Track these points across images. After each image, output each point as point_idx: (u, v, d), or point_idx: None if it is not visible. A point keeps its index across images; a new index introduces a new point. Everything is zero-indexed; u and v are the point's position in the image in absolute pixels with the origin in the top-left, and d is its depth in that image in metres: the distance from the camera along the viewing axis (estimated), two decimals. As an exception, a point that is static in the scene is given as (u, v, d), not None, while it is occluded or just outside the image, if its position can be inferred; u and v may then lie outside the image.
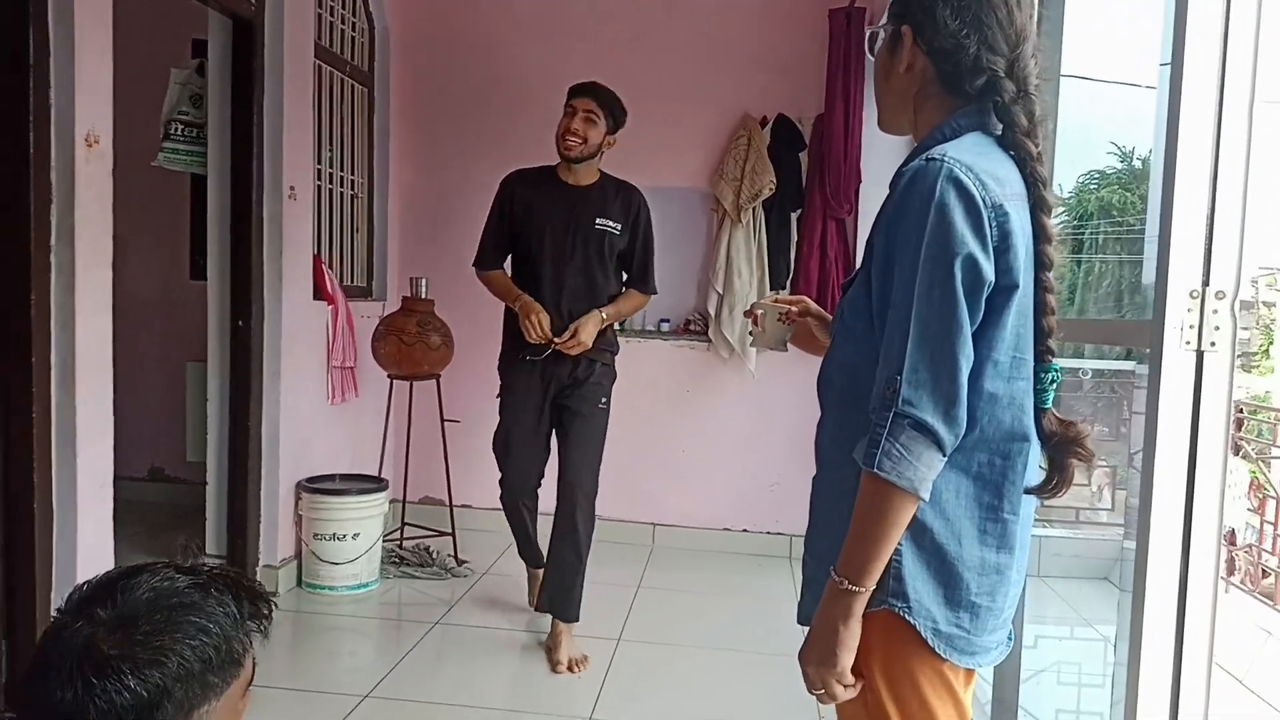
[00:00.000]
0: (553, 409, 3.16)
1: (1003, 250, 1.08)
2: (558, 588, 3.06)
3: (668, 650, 3.20)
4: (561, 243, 3.06)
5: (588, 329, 3.03)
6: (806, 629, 1.22)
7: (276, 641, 3.20)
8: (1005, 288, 1.09)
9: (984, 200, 1.07)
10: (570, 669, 2.93)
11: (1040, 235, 1.13)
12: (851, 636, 1.10)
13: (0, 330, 2.39)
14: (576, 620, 3.07)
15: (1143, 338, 1.55)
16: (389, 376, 3.93)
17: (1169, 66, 1.58)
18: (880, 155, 4.02)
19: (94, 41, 2.47)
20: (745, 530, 4.31)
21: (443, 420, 3.98)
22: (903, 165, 1.19)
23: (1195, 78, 1.51)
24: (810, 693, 1.15)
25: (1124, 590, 2.09)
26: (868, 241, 1.18)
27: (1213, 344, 1.47)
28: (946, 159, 1.08)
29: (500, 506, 3.29)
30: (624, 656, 3.10)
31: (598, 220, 3.07)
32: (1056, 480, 1.17)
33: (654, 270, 3.24)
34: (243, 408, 3.48)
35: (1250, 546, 3.66)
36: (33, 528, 2.41)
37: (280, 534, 3.54)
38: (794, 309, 1.52)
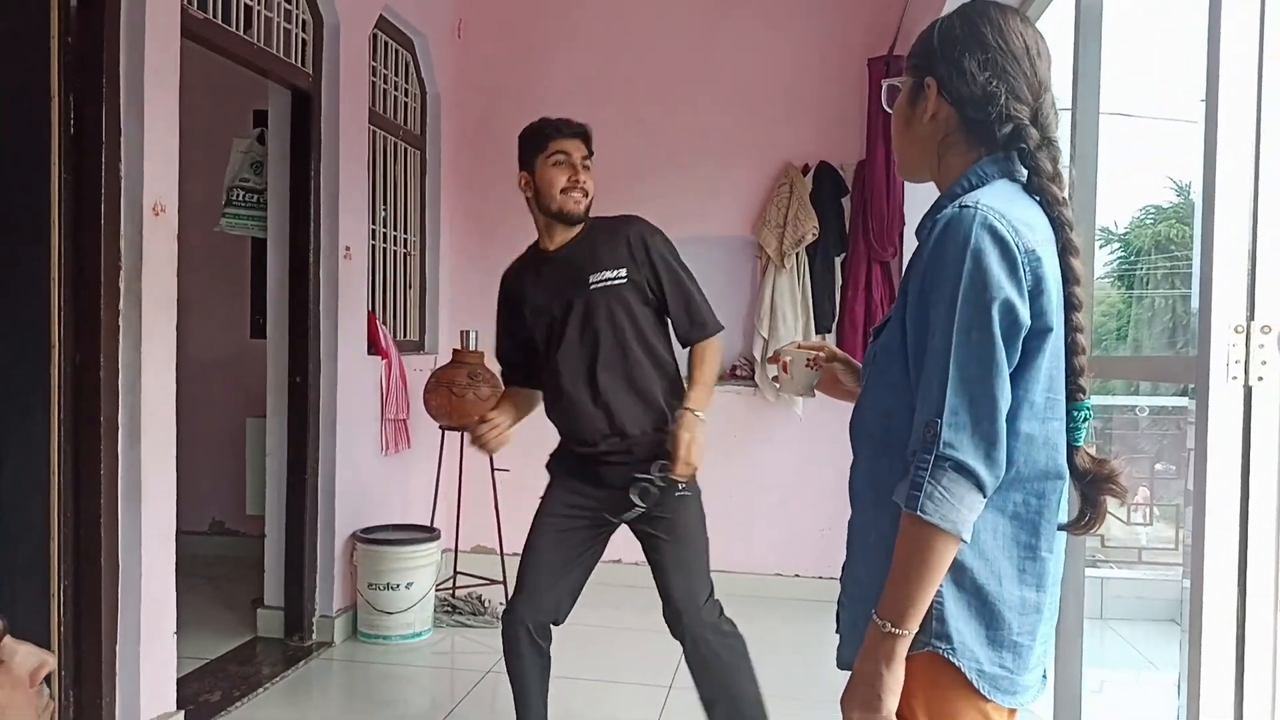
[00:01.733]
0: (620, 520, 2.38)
1: (1037, 294, 1.10)
2: None
3: (721, 699, 3.15)
4: (563, 332, 2.33)
5: (696, 443, 2.23)
6: (847, 673, 1.22)
7: (331, 690, 3.25)
8: (1040, 330, 1.11)
9: (1018, 246, 1.09)
10: None
11: (1069, 278, 1.15)
12: (896, 680, 1.10)
13: (73, 388, 2.50)
14: None
15: (1189, 373, 1.54)
16: (440, 427, 4.00)
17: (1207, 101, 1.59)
18: (923, 198, 4.02)
19: (161, 118, 2.60)
20: (796, 575, 4.26)
21: (493, 469, 4.03)
22: (930, 213, 1.21)
23: (1231, 108, 1.52)
24: None
25: (1185, 630, 2.04)
26: (901, 288, 1.20)
27: (1260, 378, 1.46)
28: (980, 206, 1.10)
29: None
30: (675, 704, 3.08)
31: (592, 279, 2.31)
32: (1090, 516, 1.17)
33: (703, 300, 2.42)
34: (300, 461, 3.57)
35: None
36: (100, 580, 2.49)
37: (336, 584, 3.61)
38: (820, 354, 1.54)
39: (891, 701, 1.10)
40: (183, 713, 2.72)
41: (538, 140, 2.38)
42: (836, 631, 1.38)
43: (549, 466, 2.53)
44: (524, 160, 2.41)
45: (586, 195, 2.36)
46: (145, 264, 2.56)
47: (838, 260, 4.18)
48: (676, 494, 2.30)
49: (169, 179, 2.66)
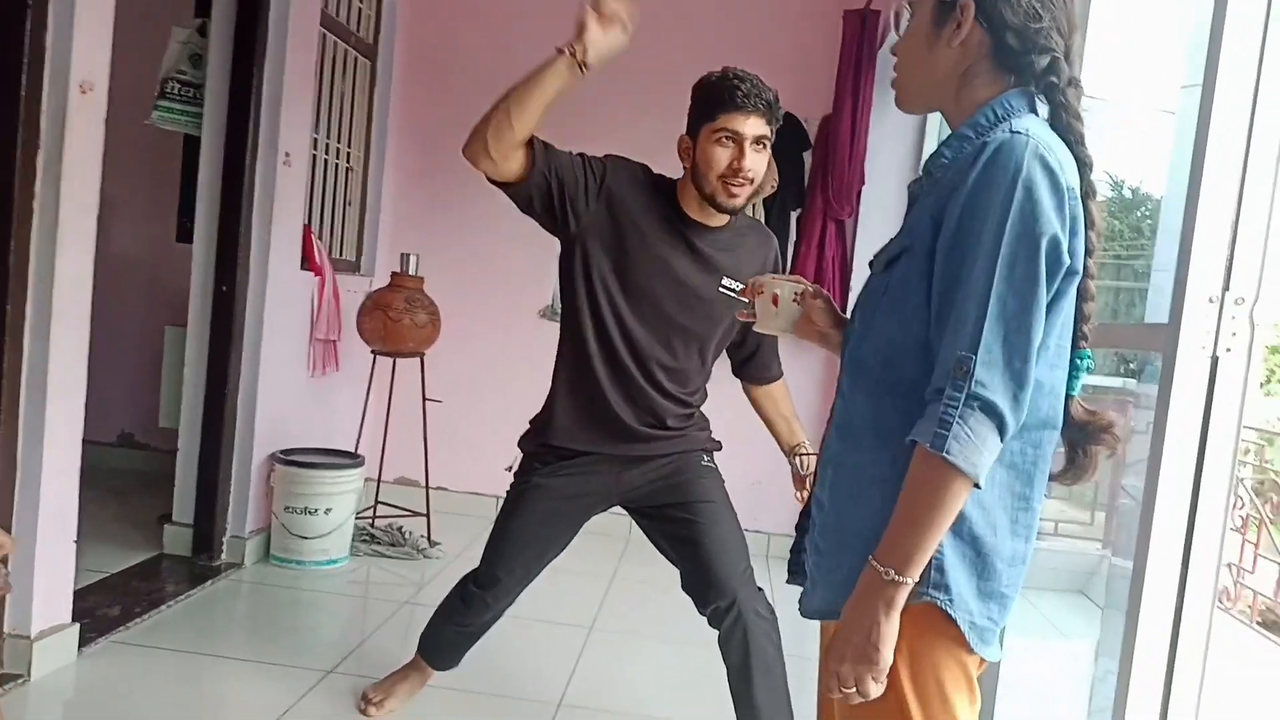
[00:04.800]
0: (624, 507, 2.27)
1: (1073, 234, 1.06)
2: None
3: (639, 641, 3.15)
4: (657, 307, 2.06)
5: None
6: (821, 623, 1.19)
7: (239, 611, 3.13)
8: (1071, 273, 1.07)
9: (1064, 182, 1.04)
10: None
11: (1087, 221, 1.10)
12: (894, 631, 1.04)
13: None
14: None
15: (1158, 341, 1.53)
16: (372, 352, 3.86)
17: (1198, 87, 1.56)
18: (885, 158, 4.01)
19: (95, -14, 2.40)
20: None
21: (424, 400, 3.92)
22: (951, 142, 1.14)
23: (1229, 86, 1.49)
24: (836, 693, 1.07)
25: (1109, 607, 2.07)
26: (925, 215, 1.12)
27: (1228, 349, 1.45)
28: (1030, 134, 1.05)
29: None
30: (595, 645, 3.05)
31: (724, 283, 2.09)
32: (1080, 466, 1.14)
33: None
34: (220, 375, 3.41)
35: (1230, 565, 3.72)
36: (-3, 477, 2.34)
37: (250, 505, 3.47)
38: (807, 289, 1.44)
39: (889, 654, 1.04)
40: (78, 625, 2.58)
41: (707, 106, 2.01)
42: (793, 578, 1.33)
43: (536, 449, 2.21)
44: (690, 121, 2.06)
45: (749, 183, 1.98)
46: (67, 145, 2.36)
47: (793, 215, 4.13)
48: (702, 464, 2.20)
49: (100, 57, 2.45)
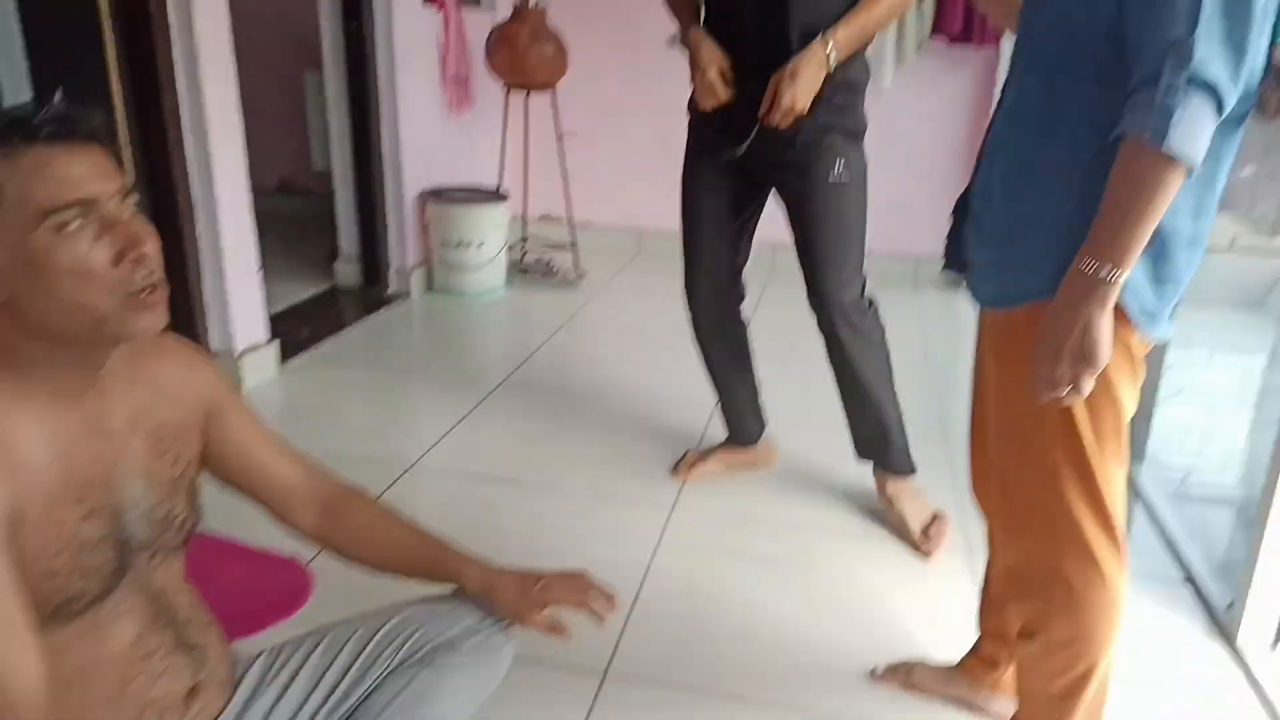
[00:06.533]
0: (766, 185, 2.09)
1: None
2: (863, 431, 2.15)
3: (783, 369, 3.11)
4: None
5: (803, 82, 1.76)
6: (988, 309, 1.19)
7: (414, 335, 3.39)
8: None
9: None
10: (923, 545, 2.02)
11: None
12: (1110, 326, 1.00)
13: (127, 24, 2.37)
14: (907, 472, 2.13)
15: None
16: (504, 86, 3.82)
17: None
18: None
19: None
20: (869, 252, 4.20)
21: (559, 134, 3.89)
22: None
23: None
24: (1047, 395, 1.05)
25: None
26: None
27: None
28: None
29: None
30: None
31: None
32: (1269, 108, 1.02)
33: None
34: (363, 116, 3.49)
35: None
36: (178, 213, 2.52)
37: (409, 240, 3.65)
38: None
39: (1108, 350, 1.01)
40: (278, 342, 2.86)
41: None
42: (948, 266, 1.31)
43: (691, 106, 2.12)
44: None
45: None
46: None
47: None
48: (830, 180, 1.96)
49: None
